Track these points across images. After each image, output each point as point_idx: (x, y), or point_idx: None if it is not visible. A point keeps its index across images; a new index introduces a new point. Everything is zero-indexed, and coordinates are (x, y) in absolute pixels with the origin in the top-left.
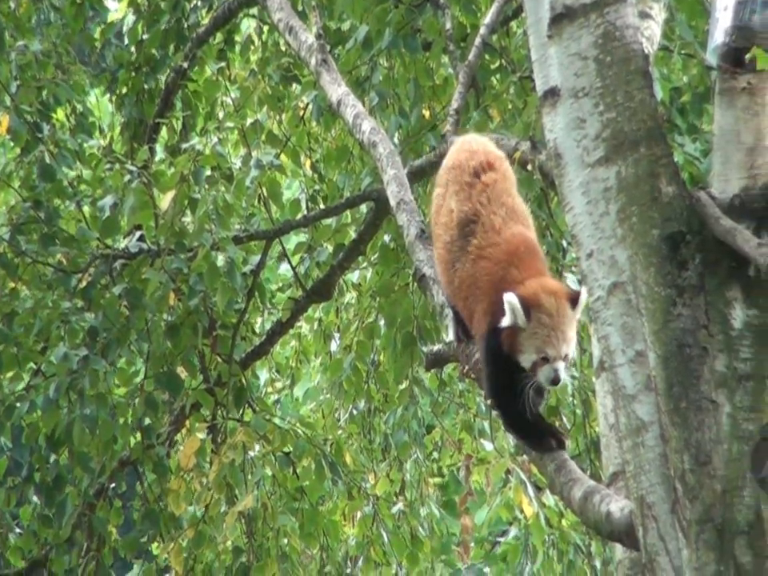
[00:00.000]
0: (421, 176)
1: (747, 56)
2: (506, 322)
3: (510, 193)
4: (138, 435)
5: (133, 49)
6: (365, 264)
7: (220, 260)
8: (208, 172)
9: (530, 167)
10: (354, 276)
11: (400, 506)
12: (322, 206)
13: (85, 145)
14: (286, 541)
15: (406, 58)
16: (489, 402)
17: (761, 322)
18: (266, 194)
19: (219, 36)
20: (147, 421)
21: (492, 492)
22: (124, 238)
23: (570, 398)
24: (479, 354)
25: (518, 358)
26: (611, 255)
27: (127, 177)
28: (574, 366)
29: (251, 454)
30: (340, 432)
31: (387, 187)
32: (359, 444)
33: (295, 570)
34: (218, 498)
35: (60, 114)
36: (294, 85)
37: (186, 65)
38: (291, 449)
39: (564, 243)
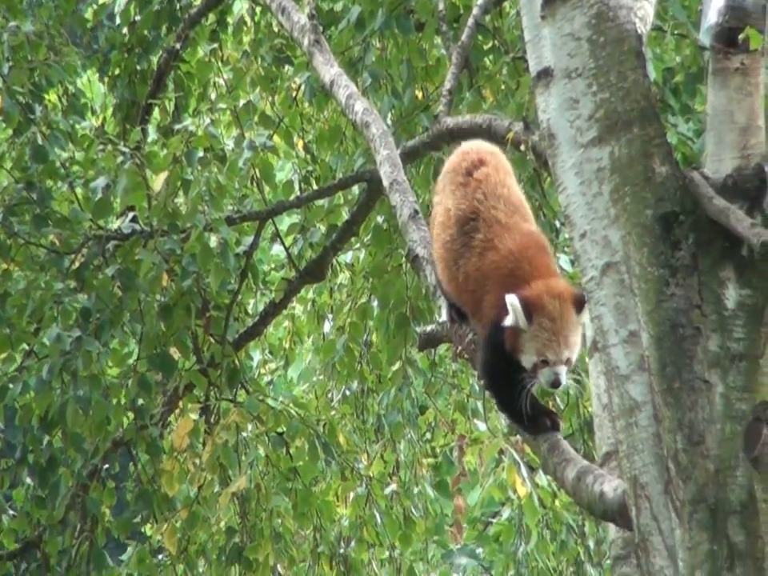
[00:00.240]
0: (414, 157)
1: (740, 36)
2: (508, 321)
3: (504, 183)
4: (131, 416)
5: (125, 30)
6: (358, 245)
7: (213, 241)
8: (201, 153)
9: (523, 148)
10: (347, 257)
11: (393, 486)
12: (314, 187)
13: (77, 126)
14: (279, 521)
15: (398, 39)
16: (482, 382)
17: (754, 302)
18: (258, 175)
19: (212, 17)
20: (140, 402)
21: (485, 472)
22: (117, 219)
23: None
24: (480, 342)
25: (519, 357)
26: (604, 235)
27: (120, 158)
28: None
29: (244, 434)
30: (333, 413)
31: (380, 167)
32: (352, 425)
33: (289, 550)
34: (211, 479)
35: (52, 95)
36: (287, 66)
37: (178, 46)
38: (285, 429)
39: (557, 224)
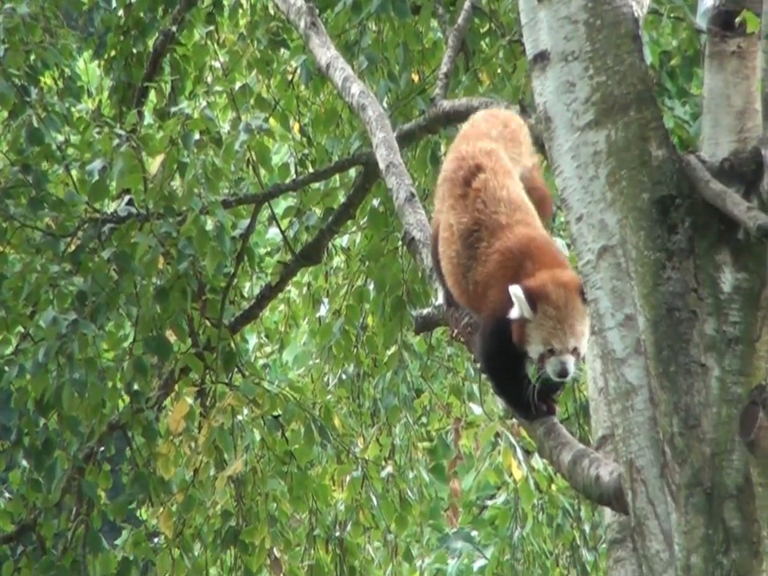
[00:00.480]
0: (410, 140)
1: (737, 19)
2: (514, 314)
3: (503, 185)
4: (127, 399)
5: (121, 12)
6: (354, 228)
7: (209, 224)
8: (197, 136)
9: None
10: (343, 240)
11: (389, 469)
12: (310, 170)
13: (73, 109)
14: (275, 505)
15: (395, 22)
16: (478, 365)
17: (750, 286)
18: (254, 158)
19: (207, 0)
20: (136, 385)
21: (481, 456)
22: (113, 201)
23: None
24: (479, 328)
25: (527, 349)
26: (601, 219)
27: (116, 141)
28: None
29: (240, 418)
30: (329, 396)
31: (376, 150)
32: (348, 408)
33: (284, 534)
34: (207, 462)
35: (48, 77)
36: (283, 49)
37: (174, 29)
38: (280, 413)
39: (553, 207)
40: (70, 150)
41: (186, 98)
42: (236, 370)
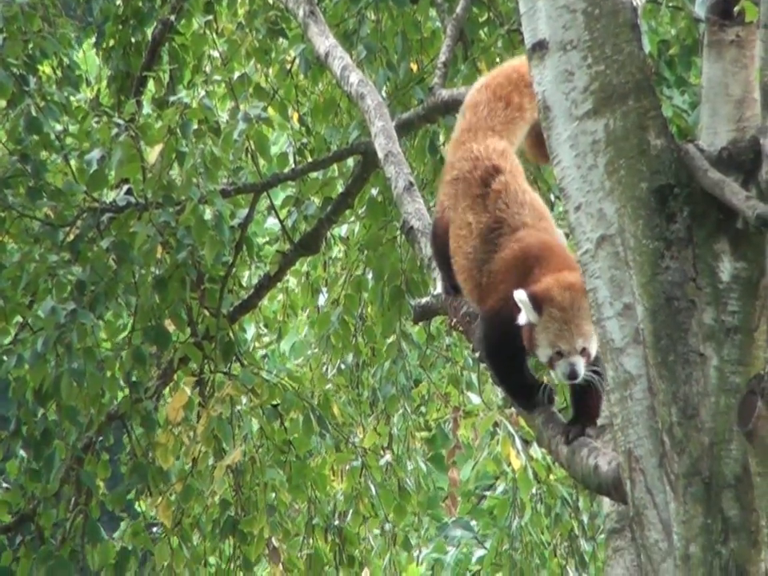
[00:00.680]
0: (408, 129)
1: (735, 8)
2: (522, 320)
3: (523, 189)
4: (126, 389)
5: (119, 2)
6: (352, 217)
7: (208, 213)
8: (195, 125)
9: None
10: (341, 229)
11: (387, 457)
12: (309, 160)
13: (72, 98)
14: (273, 494)
15: (393, 11)
16: (476, 354)
17: (748, 275)
18: (253, 148)
19: None
20: (135, 375)
21: (479, 446)
22: (111, 191)
23: None
24: (483, 320)
25: (536, 353)
26: (599, 208)
27: (114, 130)
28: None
29: (239, 407)
30: (328, 386)
31: (375, 139)
32: (347, 397)
33: (283, 523)
34: (205, 452)
35: (46, 66)
36: (282, 38)
37: (173, 18)
38: (279, 402)
39: (552, 197)
40: (69, 140)
41: (185, 87)
42: (235, 359)
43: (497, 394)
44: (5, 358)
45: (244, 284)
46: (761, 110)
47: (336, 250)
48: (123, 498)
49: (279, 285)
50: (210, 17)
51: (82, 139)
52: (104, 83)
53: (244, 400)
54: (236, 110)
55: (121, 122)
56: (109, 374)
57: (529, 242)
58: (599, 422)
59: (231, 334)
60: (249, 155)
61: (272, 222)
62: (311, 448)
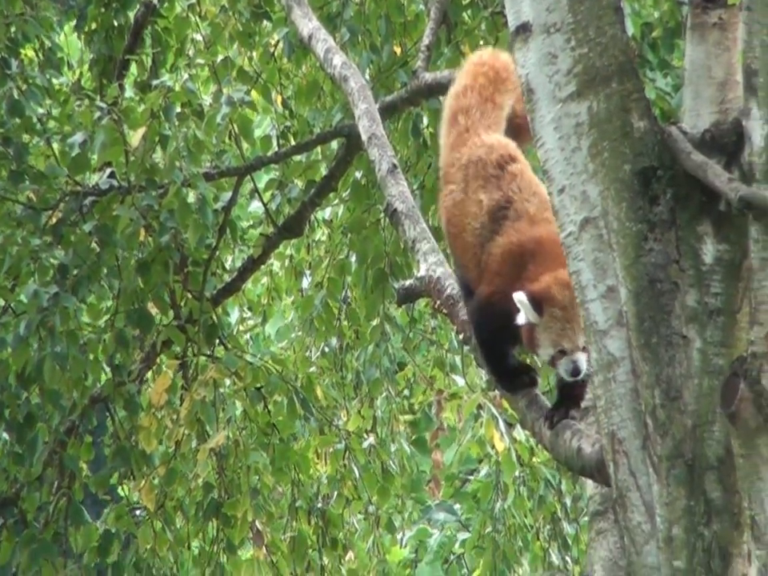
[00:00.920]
0: (392, 112)
1: None
2: (521, 320)
3: (536, 182)
4: (109, 372)
5: None
6: (336, 200)
7: (191, 197)
8: (178, 109)
9: None
10: (325, 212)
11: (371, 440)
12: (293, 143)
13: (54, 81)
14: (257, 477)
15: None
16: (461, 336)
17: (731, 257)
18: (236, 131)
19: None
20: (118, 358)
21: (463, 428)
22: (94, 174)
23: None
24: (472, 304)
25: (537, 353)
26: (583, 191)
27: (97, 114)
28: None
29: (222, 390)
30: (312, 369)
31: (359, 122)
32: (331, 380)
33: (267, 506)
34: (188, 435)
35: (29, 50)
36: (265, 21)
37: (155, 1)
38: (263, 385)
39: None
40: (51, 123)
41: (168, 70)
42: (218, 342)
43: (481, 376)
44: None
45: (227, 267)
46: (743, 92)
47: (320, 233)
48: (106, 480)
49: (263, 268)
50: (193, 0)
51: (64, 122)
52: (86, 66)
53: (228, 383)
54: (219, 93)
55: (103, 105)
56: (92, 357)
57: (525, 235)
58: (583, 404)
59: (215, 317)
60: (232, 138)
61: (255, 205)
62: (295, 431)
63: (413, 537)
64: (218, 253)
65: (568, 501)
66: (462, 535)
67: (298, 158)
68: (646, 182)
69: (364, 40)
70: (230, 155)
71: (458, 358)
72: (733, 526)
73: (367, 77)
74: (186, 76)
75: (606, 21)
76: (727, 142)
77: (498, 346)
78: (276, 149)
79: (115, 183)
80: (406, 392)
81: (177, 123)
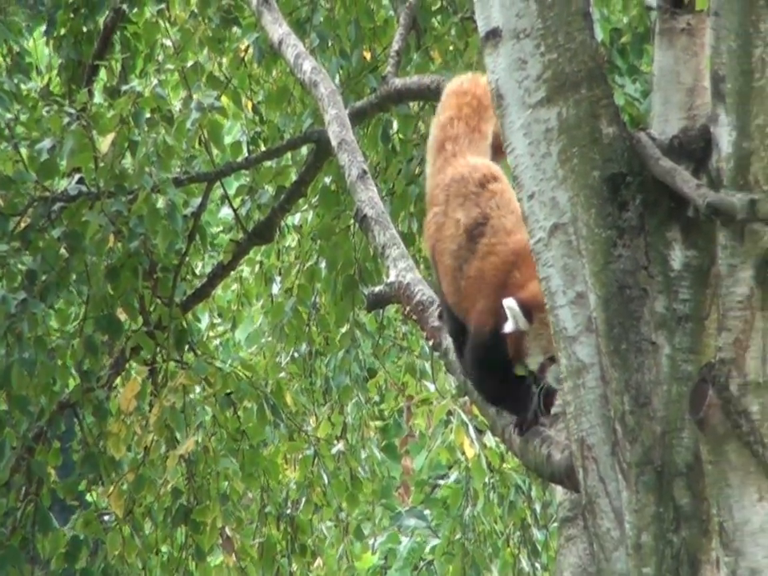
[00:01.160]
0: (362, 118)
1: None
2: (508, 327)
3: (515, 200)
4: (78, 378)
5: None
6: (306, 206)
7: (160, 202)
8: (148, 114)
9: None
10: (295, 218)
11: (340, 446)
12: (263, 148)
13: (22, 86)
14: (226, 483)
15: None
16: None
17: (699, 263)
18: (206, 136)
19: None
20: (87, 364)
21: (433, 434)
22: (63, 180)
23: None
24: (470, 342)
25: (526, 361)
26: (552, 197)
27: (66, 119)
28: None
29: (192, 396)
30: (282, 374)
31: (328, 127)
32: (300, 386)
33: (236, 512)
34: (158, 441)
35: None
36: (235, 27)
37: (124, 6)
38: (232, 391)
39: None
40: (20, 128)
41: (137, 76)
42: (188, 348)
43: (450, 382)
44: None
45: (197, 273)
46: (711, 98)
47: (290, 239)
48: (75, 487)
49: (233, 274)
50: (163, 5)
51: (32, 128)
52: (55, 72)
53: (197, 389)
54: (189, 98)
55: (72, 110)
56: (60, 362)
57: (506, 247)
58: (553, 410)
59: (184, 323)
60: (202, 144)
61: (225, 211)
62: (265, 437)
63: (383, 543)
64: (187, 259)
65: (538, 507)
66: (432, 541)
67: (268, 163)
68: (615, 188)
69: (333, 45)
70: (199, 161)
71: (428, 364)
72: (701, 533)
73: (337, 82)
74: (155, 81)
75: (575, 26)
76: (695, 148)
77: (500, 374)
78: (246, 154)
79: (84, 189)
80: (377, 398)
81: (146, 129)
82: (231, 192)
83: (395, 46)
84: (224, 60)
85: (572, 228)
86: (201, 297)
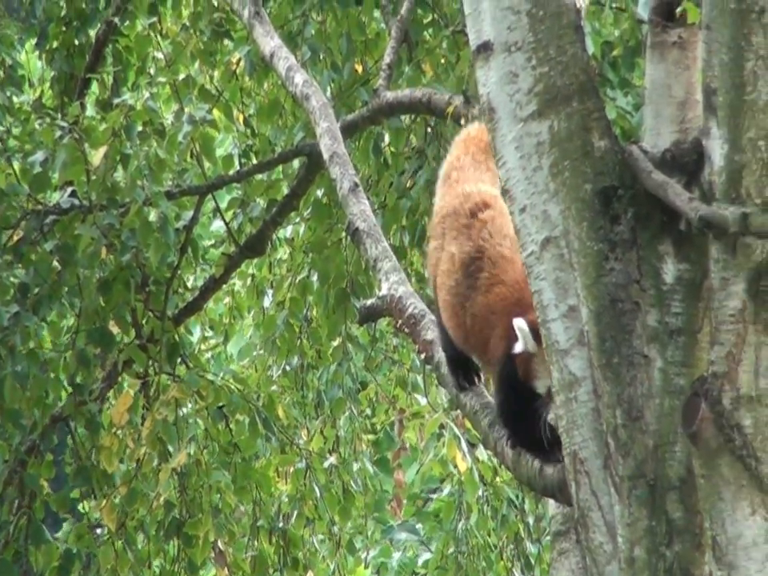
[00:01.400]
0: (353, 131)
1: (678, 10)
2: (518, 348)
3: (508, 224)
4: (70, 391)
5: (63, 3)
6: (298, 219)
7: (152, 215)
8: (140, 127)
9: (462, 122)
10: (286, 231)
11: (332, 459)
12: (254, 161)
13: (15, 99)
14: (218, 496)
15: (338, 12)
16: (422, 356)
17: (691, 277)
18: (198, 150)
19: None
20: (79, 377)
21: (425, 448)
22: (55, 193)
23: None
24: (493, 380)
25: (534, 384)
26: (544, 210)
27: (58, 132)
28: None
29: (184, 409)
30: (274, 388)
31: (320, 140)
32: (292, 399)
33: (228, 525)
34: (150, 454)
35: None
36: (227, 40)
37: (116, 19)
38: (225, 404)
39: None
40: (12, 141)
41: (129, 89)
42: (180, 361)
43: (443, 396)
44: None
45: (189, 286)
46: (703, 111)
47: (281, 252)
48: (68, 500)
49: (225, 287)
50: (155, 18)
51: (25, 141)
52: (47, 85)
53: (189, 402)
54: (181, 111)
55: (64, 123)
56: (53, 375)
57: (509, 279)
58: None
59: (176, 336)
60: (194, 157)
61: (217, 224)
62: (257, 450)
63: (375, 557)
64: (179, 272)
65: (531, 520)
66: (425, 555)
67: (259, 176)
68: (607, 201)
69: (325, 58)
70: (191, 174)
71: (419, 378)
72: (694, 547)
73: (328, 95)
74: (147, 94)
75: (566, 40)
76: (687, 162)
77: (524, 409)
78: (238, 167)
79: (76, 202)
80: (368, 411)
81: (138, 142)
82: (223, 205)
83: (387, 59)
84: (215, 73)
85: (564, 241)
86: (193, 310)
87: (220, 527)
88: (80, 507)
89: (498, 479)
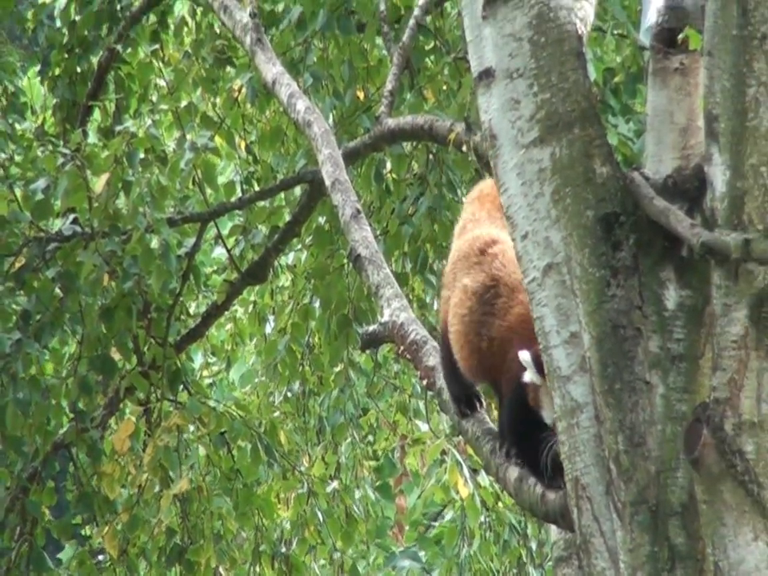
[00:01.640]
0: (355, 158)
1: (680, 36)
2: (527, 377)
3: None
4: (72, 418)
5: (65, 30)
6: (299, 246)
7: (154, 242)
8: (142, 154)
9: (464, 149)
10: (288, 258)
11: (334, 485)
12: (256, 188)
13: (17, 126)
14: (220, 522)
15: (340, 39)
16: (424, 382)
17: (693, 303)
18: (200, 177)
19: (152, 17)
20: (81, 404)
21: (427, 474)
22: (57, 220)
23: None
24: (503, 402)
25: (541, 414)
26: (546, 236)
27: (60, 159)
28: None
29: (185, 436)
30: (275, 414)
31: (322, 167)
32: (294, 424)
33: (230, 551)
34: (152, 480)
35: None
36: (228, 67)
37: (119, 46)
38: (226, 430)
39: None
40: (14, 168)
41: (131, 116)
42: (182, 388)
43: (444, 422)
44: None
45: (191, 313)
46: (705, 137)
47: (283, 279)
48: (69, 526)
49: (227, 314)
50: (157, 45)
51: (27, 168)
52: (49, 112)
53: (191, 428)
54: (183, 138)
55: (67, 150)
56: (54, 402)
57: (527, 301)
58: None
59: (178, 363)
60: (196, 184)
61: (219, 251)
62: (258, 476)
63: None
64: (181, 299)
65: (533, 546)
66: None
67: (261, 203)
68: (609, 227)
69: (327, 85)
70: (193, 201)
71: (421, 403)
72: (696, 573)
73: (330, 122)
74: (149, 121)
75: (568, 66)
76: (689, 188)
77: (532, 433)
78: (240, 194)
79: (78, 229)
80: (370, 437)
81: (140, 169)
82: (225, 232)
83: (389, 86)
84: (218, 100)
85: (566, 268)
86: (195, 337)
87: (222, 553)
88: (82, 531)
89: (500, 505)
